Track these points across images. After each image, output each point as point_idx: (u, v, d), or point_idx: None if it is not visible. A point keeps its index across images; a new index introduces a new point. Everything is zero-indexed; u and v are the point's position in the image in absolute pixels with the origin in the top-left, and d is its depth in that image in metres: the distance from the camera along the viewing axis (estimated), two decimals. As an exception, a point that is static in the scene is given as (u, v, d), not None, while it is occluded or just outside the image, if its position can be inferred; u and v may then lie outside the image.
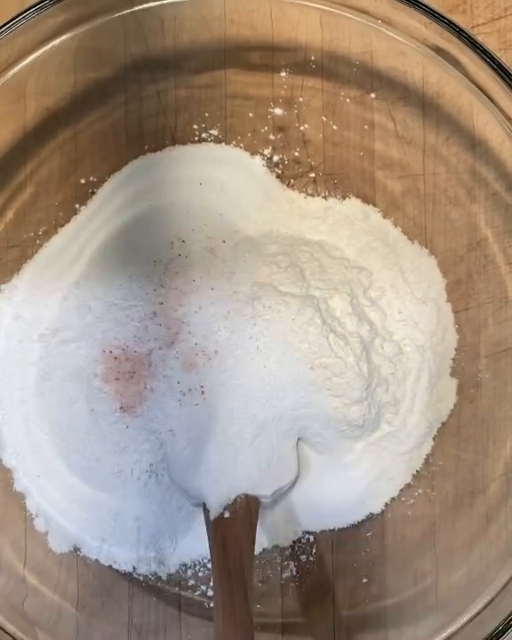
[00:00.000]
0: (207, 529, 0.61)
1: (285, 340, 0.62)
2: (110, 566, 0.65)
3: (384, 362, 0.65)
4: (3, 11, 0.62)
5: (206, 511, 0.61)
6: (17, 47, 0.59)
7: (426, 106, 0.65)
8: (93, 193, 0.67)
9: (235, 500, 0.61)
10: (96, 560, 0.65)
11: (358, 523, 0.65)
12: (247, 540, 0.60)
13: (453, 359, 0.67)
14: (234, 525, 0.60)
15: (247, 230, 0.67)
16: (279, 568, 0.66)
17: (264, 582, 0.66)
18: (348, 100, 0.66)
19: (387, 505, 0.66)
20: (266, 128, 0.68)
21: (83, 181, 0.67)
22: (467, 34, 0.57)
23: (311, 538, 0.66)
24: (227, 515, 0.60)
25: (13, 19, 0.57)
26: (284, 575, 0.66)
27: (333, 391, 0.62)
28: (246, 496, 0.61)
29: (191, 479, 0.61)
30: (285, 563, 0.66)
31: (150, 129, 0.67)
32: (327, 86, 0.66)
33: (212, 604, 0.65)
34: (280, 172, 0.68)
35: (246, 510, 0.60)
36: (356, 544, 0.66)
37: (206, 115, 0.67)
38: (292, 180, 0.68)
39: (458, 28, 0.57)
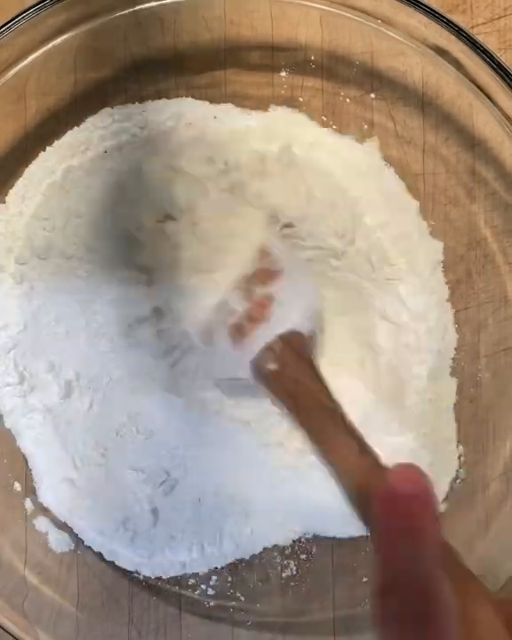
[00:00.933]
0: (270, 395, 0.58)
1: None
2: (112, 563, 0.65)
3: None
4: (3, 10, 0.62)
5: (257, 375, 0.58)
6: (17, 47, 0.59)
7: (425, 106, 0.65)
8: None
9: (272, 347, 0.57)
10: (98, 554, 0.65)
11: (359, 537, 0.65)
12: (305, 375, 0.56)
13: (453, 359, 0.67)
14: (284, 370, 0.57)
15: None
16: (279, 568, 0.66)
17: (264, 582, 0.66)
18: (347, 100, 0.66)
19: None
20: (266, 128, 0.68)
21: (83, 181, 0.67)
22: (466, 34, 0.57)
23: (311, 537, 0.66)
24: (273, 366, 0.57)
25: (14, 18, 0.57)
26: (284, 575, 0.66)
27: None
28: (281, 336, 0.58)
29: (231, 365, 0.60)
30: (285, 562, 0.66)
31: (150, 129, 0.67)
32: (327, 86, 0.66)
33: (212, 603, 0.65)
34: (280, 171, 0.68)
35: (287, 348, 0.57)
36: (356, 544, 0.66)
37: (206, 115, 0.67)
38: (292, 180, 0.68)
39: (457, 27, 0.57)
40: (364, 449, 0.51)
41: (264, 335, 0.58)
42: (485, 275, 0.65)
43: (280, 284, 0.60)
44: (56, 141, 0.65)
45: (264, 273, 0.60)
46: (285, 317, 0.59)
